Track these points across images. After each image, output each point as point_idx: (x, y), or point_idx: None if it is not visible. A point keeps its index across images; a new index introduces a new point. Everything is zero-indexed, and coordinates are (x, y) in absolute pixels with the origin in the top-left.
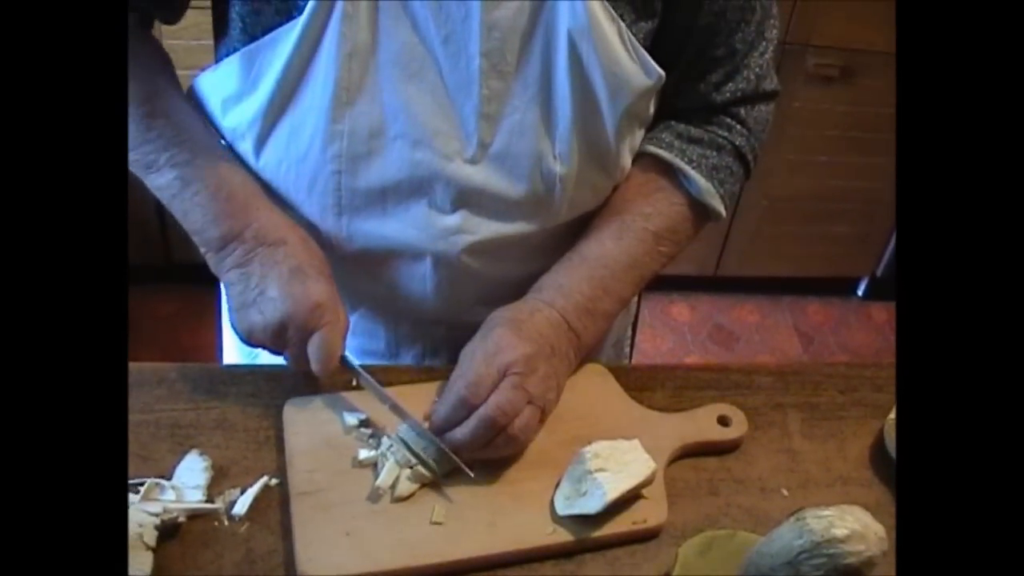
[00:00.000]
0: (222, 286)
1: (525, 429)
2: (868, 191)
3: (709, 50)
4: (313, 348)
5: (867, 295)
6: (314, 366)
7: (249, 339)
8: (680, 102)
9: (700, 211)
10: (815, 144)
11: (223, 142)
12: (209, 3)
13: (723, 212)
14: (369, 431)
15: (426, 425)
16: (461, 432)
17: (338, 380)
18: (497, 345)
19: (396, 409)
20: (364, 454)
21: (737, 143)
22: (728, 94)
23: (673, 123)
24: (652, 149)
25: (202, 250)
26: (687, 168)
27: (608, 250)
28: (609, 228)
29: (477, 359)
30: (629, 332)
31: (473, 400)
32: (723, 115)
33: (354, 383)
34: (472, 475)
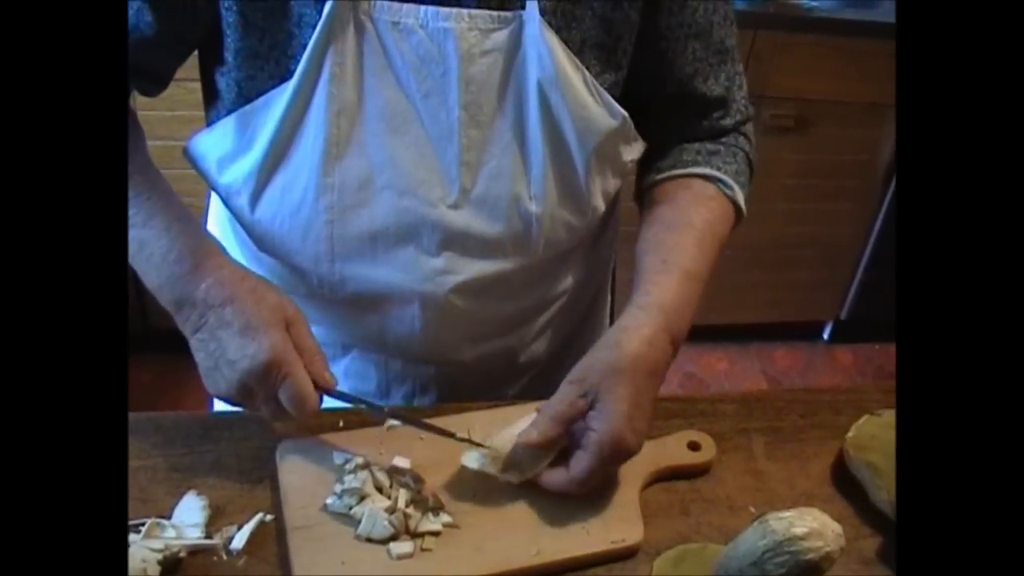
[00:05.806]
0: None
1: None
2: (828, 236)
3: (705, 92)
4: (284, 398)
5: (832, 338)
6: (292, 413)
7: (225, 399)
8: (688, 133)
9: (738, 214)
10: (774, 193)
11: (221, 194)
12: (183, 76)
13: (745, 213)
14: (359, 466)
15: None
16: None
17: (326, 422)
18: (614, 439)
19: (436, 430)
20: (332, 501)
21: (746, 150)
22: (729, 120)
23: (686, 145)
24: (686, 170)
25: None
26: (724, 176)
27: (692, 257)
28: (689, 237)
29: (604, 448)
30: None
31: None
32: (729, 133)
33: (341, 424)
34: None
